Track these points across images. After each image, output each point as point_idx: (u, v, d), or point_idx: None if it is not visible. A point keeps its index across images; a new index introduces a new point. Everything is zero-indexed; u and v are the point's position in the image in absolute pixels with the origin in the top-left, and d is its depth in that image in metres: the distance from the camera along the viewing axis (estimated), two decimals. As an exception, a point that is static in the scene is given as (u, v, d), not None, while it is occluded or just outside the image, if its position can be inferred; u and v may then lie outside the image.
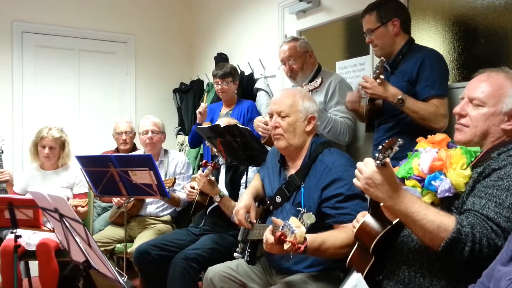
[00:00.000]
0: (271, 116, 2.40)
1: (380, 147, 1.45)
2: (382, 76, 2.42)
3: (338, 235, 1.98)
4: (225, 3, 4.93)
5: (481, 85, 1.67)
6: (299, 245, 1.69)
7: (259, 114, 3.89)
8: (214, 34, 5.16)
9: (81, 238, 1.95)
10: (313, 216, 1.78)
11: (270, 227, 1.92)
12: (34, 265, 3.58)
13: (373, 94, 2.48)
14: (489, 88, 1.65)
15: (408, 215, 1.51)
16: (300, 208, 2.18)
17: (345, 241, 1.95)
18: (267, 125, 2.93)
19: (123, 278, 1.82)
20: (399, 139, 1.44)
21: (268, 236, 1.88)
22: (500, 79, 1.66)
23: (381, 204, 1.65)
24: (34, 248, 3.34)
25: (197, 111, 3.93)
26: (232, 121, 3.23)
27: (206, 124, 3.46)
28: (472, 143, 1.67)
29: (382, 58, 2.48)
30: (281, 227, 1.76)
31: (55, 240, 3.35)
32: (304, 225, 1.74)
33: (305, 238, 1.73)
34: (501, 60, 2.51)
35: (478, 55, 2.69)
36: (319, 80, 2.66)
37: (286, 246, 1.71)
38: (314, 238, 1.88)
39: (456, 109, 1.73)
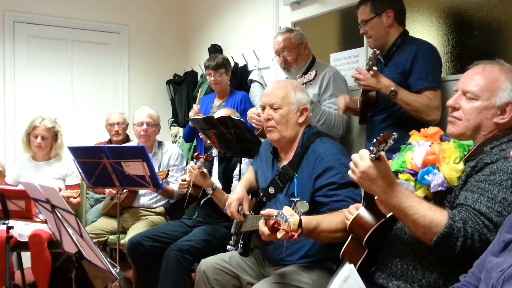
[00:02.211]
0: (263, 108, 2.39)
1: (375, 140, 1.45)
2: (375, 68, 2.43)
3: (333, 219, 1.96)
4: (219, -6, 4.90)
5: (475, 78, 1.67)
6: (293, 233, 1.69)
7: (252, 105, 3.88)
8: (208, 25, 5.13)
9: (73, 229, 1.94)
10: (307, 204, 1.79)
11: (262, 219, 1.91)
12: (26, 256, 3.57)
13: (366, 85, 2.48)
14: (483, 81, 1.64)
15: (401, 210, 1.51)
16: (293, 199, 2.18)
17: (340, 225, 1.93)
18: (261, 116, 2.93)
19: (115, 269, 1.82)
20: (394, 133, 1.43)
21: (263, 228, 1.87)
22: (495, 72, 1.65)
23: (376, 197, 1.65)
24: (26, 239, 3.33)
25: (189, 113, 3.92)
26: (230, 111, 3.22)
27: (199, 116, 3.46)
28: (464, 136, 1.67)
29: (375, 49, 2.48)
30: (274, 216, 1.76)
31: (48, 231, 3.33)
32: (297, 213, 1.74)
33: (299, 225, 1.73)
34: (495, 53, 2.51)
35: (472, 48, 2.69)
36: (313, 73, 2.65)
37: (279, 234, 1.71)
38: (310, 220, 1.87)
39: (449, 102, 1.72)
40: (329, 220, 1.96)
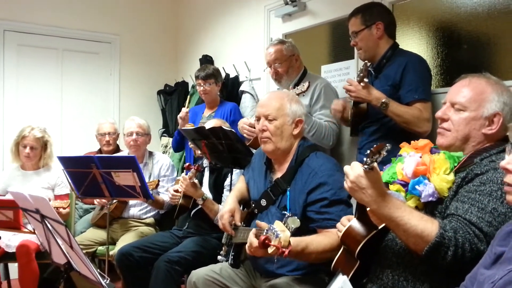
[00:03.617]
0: (258, 119, 2.38)
1: (368, 151, 1.46)
2: (366, 80, 2.45)
3: (322, 240, 1.98)
4: (211, 5, 4.92)
5: (462, 90, 1.70)
6: (283, 249, 1.68)
7: (242, 116, 3.88)
8: (199, 36, 5.14)
9: (63, 240, 1.92)
10: (298, 220, 1.78)
11: (254, 230, 1.91)
12: (13, 268, 3.52)
13: (357, 97, 2.50)
14: (470, 93, 1.68)
15: (392, 220, 1.52)
16: (285, 212, 2.18)
17: (328, 246, 1.95)
18: (252, 127, 2.93)
19: (105, 280, 1.80)
20: (387, 144, 1.45)
21: (252, 240, 1.87)
22: (482, 84, 1.69)
23: (368, 209, 1.66)
24: (14, 250, 3.29)
25: (178, 116, 3.92)
26: (220, 122, 3.22)
27: (190, 126, 3.45)
28: (453, 147, 1.70)
29: (366, 61, 2.50)
30: (265, 230, 1.75)
31: (36, 242, 3.30)
32: (288, 229, 1.74)
33: (289, 242, 1.73)
34: (483, 66, 2.55)
35: (461, 61, 2.73)
36: (306, 84, 2.66)
37: (270, 250, 1.70)
38: (298, 242, 1.88)
39: (438, 113, 1.76)
40: (318, 242, 1.96)
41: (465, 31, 2.70)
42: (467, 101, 1.67)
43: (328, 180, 2.13)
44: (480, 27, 2.62)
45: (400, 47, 2.74)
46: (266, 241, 1.70)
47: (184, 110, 3.90)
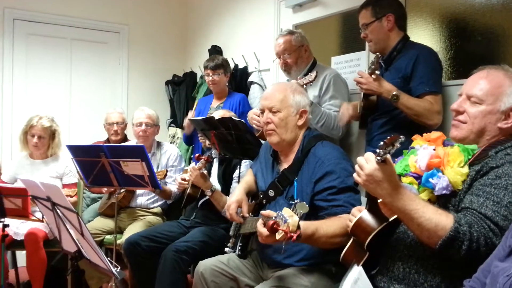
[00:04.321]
0: (263, 111, 2.37)
1: (382, 143, 1.44)
2: (377, 72, 2.43)
3: (331, 224, 1.96)
4: (221, -5, 4.90)
5: (480, 82, 1.67)
6: (292, 234, 1.67)
7: (250, 107, 3.87)
8: (208, 26, 5.12)
9: (74, 228, 1.92)
10: (306, 205, 1.78)
11: (260, 220, 1.90)
12: (21, 255, 3.54)
13: (368, 89, 2.48)
14: (487, 85, 1.64)
15: (406, 213, 1.50)
16: (293, 202, 2.17)
17: (338, 230, 1.93)
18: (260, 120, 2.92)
19: (116, 269, 1.80)
20: (401, 136, 1.43)
21: (261, 229, 1.86)
22: (499, 77, 1.65)
23: (379, 201, 1.64)
24: (22, 238, 3.30)
25: (184, 124, 3.92)
26: (228, 113, 3.21)
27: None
28: (467, 140, 1.67)
29: (377, 53, 2.48)
30: (273, 217, 1.75)
31: (44, 230, 3.32)
32: (297, 215, 1.73)
33: (298, 227, 1.72)
34: (498, 59, 2.51)
35: (475, 53, 2.70)
36: (313, 74, 2.66)
37: (278, 235, 1.70)
38: (308, 226, 1.87)
39: (454, 106, 1.72)
40: (328, 226, 1.95)
41: (479, 23, 2.66)
42: (484, 94, 1.64)
43: (335, 169, 2.13)
44: (494, 19, 2.58)
45: (413, 38, 2.72)
46: (275, 226, 1.69)
47: (190, 114, 3.91)
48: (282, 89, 2.36)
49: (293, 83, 2.56)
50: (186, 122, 4.07)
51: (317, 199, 2.14)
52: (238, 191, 2.49)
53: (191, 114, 3.94)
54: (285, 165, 2.34)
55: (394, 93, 2.40)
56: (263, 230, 1.83)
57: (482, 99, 1.64)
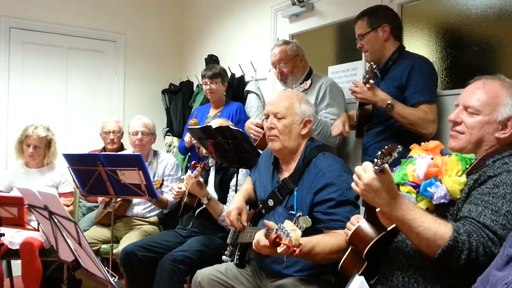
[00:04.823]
0: (267, 117, 2.38)
1: (379, 152, 1.45)
2: (372, 81, 2.44)
3: (329, 241, 1.97)
4: (218, 5, 4.91)
5: (476, 92, 1.68)
6: (294, 248, 1.67)
7: (247, 116, 3.87)
8: (205, 36, 5.13)
9: (71, 237, 1.91)
10: (309, 220, 1.78)
11: (264, 230, 1.90)
12: (16, 265, 3.52)
13: (363, 98, 2.49)
14: (484, 96, 1.65)
15: (405, 222, 1.50)
16: (292, 212, 2.17)
17: (335, 247, 1.95)
18: (259, 127, 2.92)
19: (113, 278, 1.79)
20: (398, 146, 1.43)
21: (260, 238, 1.86)
22: (496, 87, 1.66)
23: (377, 210, 1.64)
24: (17, 247, 3.28)
25: (186, 139, 3.90)
26: (225, 122, 3.21)
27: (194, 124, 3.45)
28: (465, 150, 1.68)
29: (371, 63, 2.50)
30: (275, 230, 1.74)
31: (39, 239, 3.30)
32: (299, 228, 1.72)
33: (299, 242, 1.72)
34: (494, 69, 2.54)
35: (471, 63, 2.72)
36: (308, 82, 2.68)
37: (280, 249, 1.69)
38: (306, 242, 1.87)
39: (451, 117, 1.73)
40: (325, 243, 1.96)
41: (475, 33, 2.69)
42: (481, 105, 1.65)
43: (336, 181, 2.13)
44: (490, 29, 2.60)
45: (409, 49, 2.74)
46: (277, 240, 1.68)
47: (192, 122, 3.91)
48: (289, 96, 2.37)
49: (299, 92, 2.57)
50: (188, 136, 4.00)
51: (316, 211, 2.14)
52: (237, 198, 2.49)
53: (193, 123, 3.92)
54: (286, 174, 2.34)
55: (388, 102, 2.42)
56: (262, 239, 1.83)
57: (479, 110, 1.65)
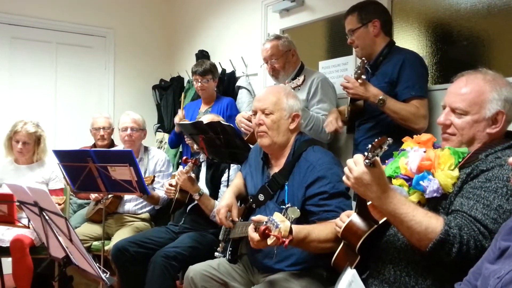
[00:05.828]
0: (255, 113, 2.37)
1: (370, 146, 1.45)
2: (363, 76, 2.44)
3: (323, 229, 1.96)
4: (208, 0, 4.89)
5: (461, 92, 1.68)
6: (284, 239, 1.67)
7: (238, 111, 3.86)
8: (195, 31, 5.11)
9: (62, 233, 1.89)
10: (298, 210, 1.78)
11: (252, 225, 1.90)
12: (6, 263, 3.49)
13: (355, 94, 2.50)
14: (469, 96, 1.65)
15: (396, 216, 1.51)
16: (283, 206, 2.17)
17: (330, 235, 1.93)
18: (250, 120, 2.92)
19: (105, 274, 1.78)
20: (388, 138, 1.43)
21: (252, 235, 1.86)
22: (479, 84, 1.66)
23: (368, 203, 1.65)
24: (7, 245, 3.25)
25: (175, 120, 3.89)
26: (216, 117, 3.20)
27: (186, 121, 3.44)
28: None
29: (363, 58, 2.50)
30: (264, 222, 1.74)
31: (30, 237, 3.27)
32: (288, 219, 1.73)
33: (290, 232, 1.71)
34: (483, 63, 2.55)
35: (461, 58, 2.73)
36: (301, 78, 2.67)
37: (270, 240, 1.69)
38: (300, 230, 1.87)
39: (440, 119, 1.73)
40: (319, 230, 1.95)
41: (465, 28, 2.70)
42: (468, 105, 1.65)
43: (327, 174, 2.13)
44: (480, 24, 2.62)
45: (399, 44, 2.75)
46: (267, 231, 1.68)
47: (180, 112, 3.90)
48: (276, 91, 2.37)
49: (286, 86, 2.56)
50: (179, 114, 4.00)
51: (309, 204, 2.14)
52: (227, 194, 2.48)
53: (181, 113, 3.91)
54: (275, 169, 2.34)
55: (380, 97, 2.43)
56: (254, 235, 1.83)
57: (467, 110, 1.66)
